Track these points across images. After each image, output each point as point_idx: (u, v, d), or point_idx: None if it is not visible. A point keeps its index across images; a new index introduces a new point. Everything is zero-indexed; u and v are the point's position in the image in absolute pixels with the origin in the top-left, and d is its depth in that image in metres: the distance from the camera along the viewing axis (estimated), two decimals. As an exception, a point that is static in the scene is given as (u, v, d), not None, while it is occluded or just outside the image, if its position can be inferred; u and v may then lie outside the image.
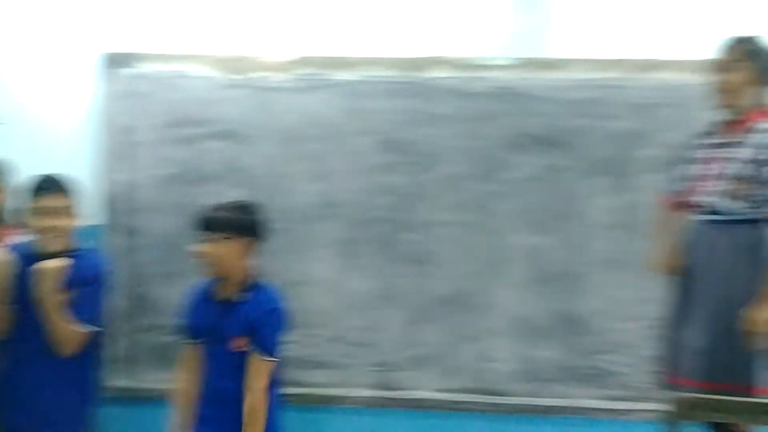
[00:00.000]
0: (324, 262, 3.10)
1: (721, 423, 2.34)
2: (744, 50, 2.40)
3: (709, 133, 2.51)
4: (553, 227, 3.04)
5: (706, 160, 2.46)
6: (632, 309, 3.00)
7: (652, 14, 3.04)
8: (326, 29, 3.13)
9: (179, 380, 2.54)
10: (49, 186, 2.48)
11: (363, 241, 3.08)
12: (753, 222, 2.41)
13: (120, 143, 3.13)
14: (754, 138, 2.40)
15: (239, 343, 2.41)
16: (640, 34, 3.04)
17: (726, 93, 2.42)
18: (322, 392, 3.10)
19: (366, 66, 3.02)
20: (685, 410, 2.03)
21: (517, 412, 3.08)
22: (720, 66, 2.42)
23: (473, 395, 3.08)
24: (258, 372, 2.39)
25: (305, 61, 3.06)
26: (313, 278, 3.09)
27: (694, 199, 2.46)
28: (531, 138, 3.02)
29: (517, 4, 3.13)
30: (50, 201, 2.46)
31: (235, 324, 2.42)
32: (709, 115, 2.52)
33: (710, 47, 2.46)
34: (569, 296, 3.04)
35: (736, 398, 2.17)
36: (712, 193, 2.42)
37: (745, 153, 2.40)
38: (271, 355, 2.41)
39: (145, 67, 3.13)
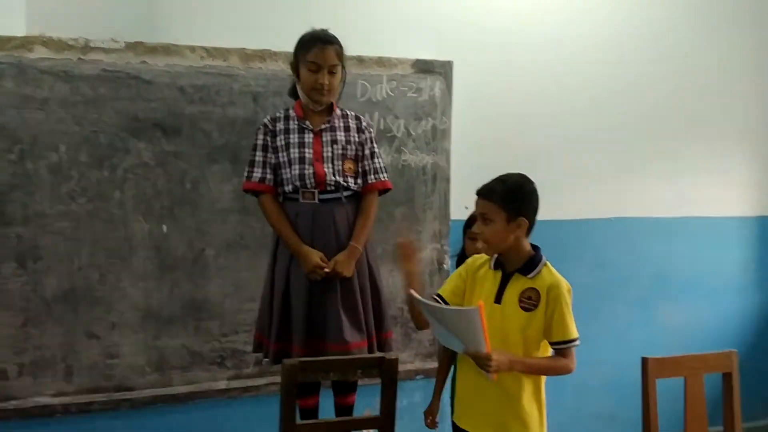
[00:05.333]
0: None
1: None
2: (340, 53, 2.64)
3: (291, 119, 2.70)
4: (173, 213, 3.01)
5: (303, 145, 2.65)
6: (255, 288, 3.11)
7: (266, 7, 3.19)
8: None
9: None
10: None
11: (-42, 240, 2.74)
12: (359, 194, 2.72)
13: None
14: (341, 123, 2.70)
15: None
16: (249, 24, 3.17)
17: (328, 93, 2.64)
18: None
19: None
20: (295, 374, 2.17)
21: (148, 405, 3.02)
22: (325, 68, 2.61)
23: (99, 395, 2.94)
24: None
25: None
26: None
27: (307, 181, 2.62)
28: (147, 124, 2.95)
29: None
30: None
31: None
32: (293, 103, 2.76)
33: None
34: (194, 281, 3.06)
35: (339, 356, 2.39)
36: (327, 174, 2.62)
37: (341, 136, 2.67)
38: None
39: None
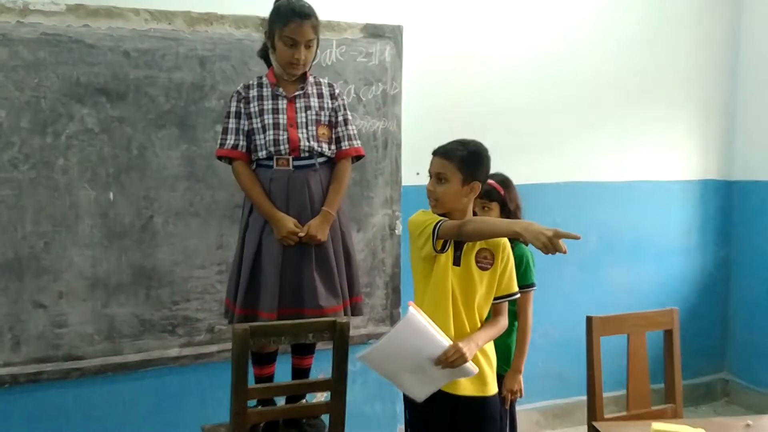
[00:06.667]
0: None
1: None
2: (316, 25, 2.61)
3: (264, 86, 2.66)
4: (120, 180, 2.96)
5: (277, 111, 2.62)
6: (205, 256, 3.10)
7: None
8: None
9: None
10: None
11: None
12: (332, 161, 2.72)
13: None
14: (315, 90, 2.69)
15: None
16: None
17: (303, 66, 2.62)
18: None
19: None
20: (246, 339, 2.17)
21: (99, 373, 2.99)
22: (302, 43, 2.57)
23: (48, 364, 2.91)
24: None
25: None
26: None
27: (282, 146, 2.59)
28: (90, 89, 2.88)
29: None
30: None
31: None
32: (261, 70, 2.71)
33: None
34: (143, 249, 3.02)
35: (291, 321, 2.39)
36: (302, 140, 2.60)
37: (315, 103, 2.67)
38: None
39: None
